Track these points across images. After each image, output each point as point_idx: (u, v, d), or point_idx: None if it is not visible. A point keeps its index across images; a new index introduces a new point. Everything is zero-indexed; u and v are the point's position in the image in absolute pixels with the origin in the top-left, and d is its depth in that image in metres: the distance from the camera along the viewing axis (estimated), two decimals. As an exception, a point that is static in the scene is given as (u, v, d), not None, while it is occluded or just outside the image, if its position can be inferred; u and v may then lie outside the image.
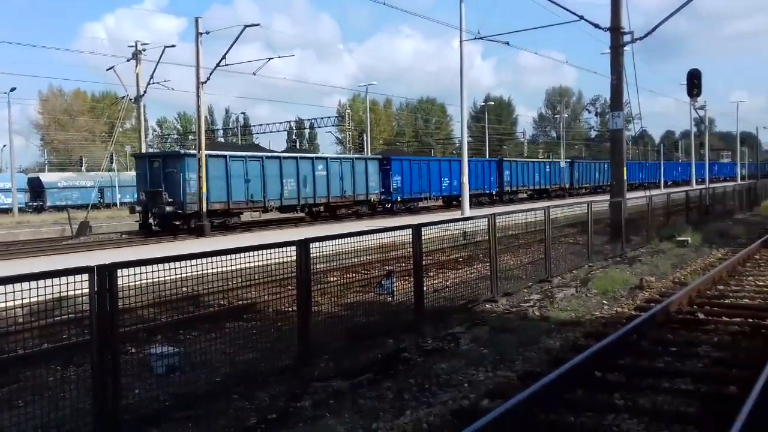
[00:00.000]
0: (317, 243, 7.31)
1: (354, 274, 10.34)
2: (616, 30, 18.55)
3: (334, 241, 7.78)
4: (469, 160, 26.99)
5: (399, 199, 33.76)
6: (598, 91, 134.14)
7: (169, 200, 23.87)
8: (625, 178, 19.54)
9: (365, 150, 53.92)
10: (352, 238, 8.28)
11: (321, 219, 29.99)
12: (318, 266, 7.84)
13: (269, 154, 29.57)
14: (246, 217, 28.39)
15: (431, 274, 11.64)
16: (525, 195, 46.62)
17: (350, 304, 8.58)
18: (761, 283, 11.87)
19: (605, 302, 10.53)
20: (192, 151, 25.39)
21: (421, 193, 34.94)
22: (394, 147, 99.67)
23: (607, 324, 8.94)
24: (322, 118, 62.95)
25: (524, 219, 13.39)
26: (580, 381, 6.34)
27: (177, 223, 24.28)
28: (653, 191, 23.11)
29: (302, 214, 30.20)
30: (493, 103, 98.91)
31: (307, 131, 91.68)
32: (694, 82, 22.49)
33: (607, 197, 18.83)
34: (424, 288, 9.21)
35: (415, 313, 8.81)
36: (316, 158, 30.25)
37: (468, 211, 25.06)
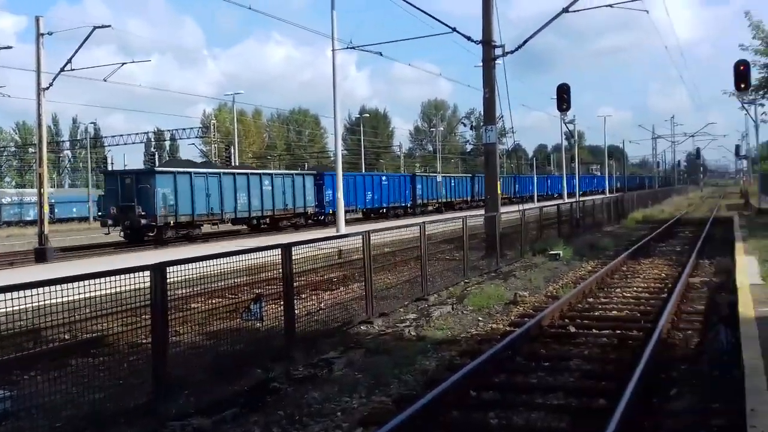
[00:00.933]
0: (176, 267, 7.03)
1: (220, 299, 10.06)
2: (487, 43, 19.42)
3: (196, 263, 7.52)
4: (387, 175, 29.84)
5: (331, 212, 36.71)
6: (472, 104, 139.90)
7: (142, 213, 26.77)
8: (500, 192, 20.44)
9: (233, 163, 52.90)
10: (217, 259, 8.05)
11: (263, 230, 33.41)
12: (179, 291, 7.56)
13: (225, 170, 32.81)
14: (205, 228, 31.38)
15: (304, 296, 11.57)
16: (432, 208, 50.84)
17: (215, 332, 8.31)
18: (628, 295, 12.79)
19: (480, 319, 10.90)
20: (163, 169, 29.49)
21: (348, 206, 36.85)
22: (265, 161, 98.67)
23: (482, 341, 9.25)
24: (184, 129, 61.01)
25: (401, 236, 13.62)
26: (456, 401, 6.50)
27: (151, 234, 27.67)
28: (527, 205, 24.37)
29: (244, 226, 33.84)
30: (368, 115, 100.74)
31: (167, 143, 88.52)
32: (563, 97, 24.01)
33: (557, 201, 19.59)
34: (296, 311, 9.11)
35: (286, 339, 8.69)
36: (263, 174, 34.58)
37: (343, 229, 25.17)
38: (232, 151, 52.85)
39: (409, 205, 47.33)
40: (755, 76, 31.26)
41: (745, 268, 12.62)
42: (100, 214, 34.83)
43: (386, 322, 10.69)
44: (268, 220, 33.87)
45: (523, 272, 15.96)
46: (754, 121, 36.52)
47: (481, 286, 13.79)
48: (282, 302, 8.86)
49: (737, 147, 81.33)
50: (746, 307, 8.60)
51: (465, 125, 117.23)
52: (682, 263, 16.76)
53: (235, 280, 9.16)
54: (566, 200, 44.29)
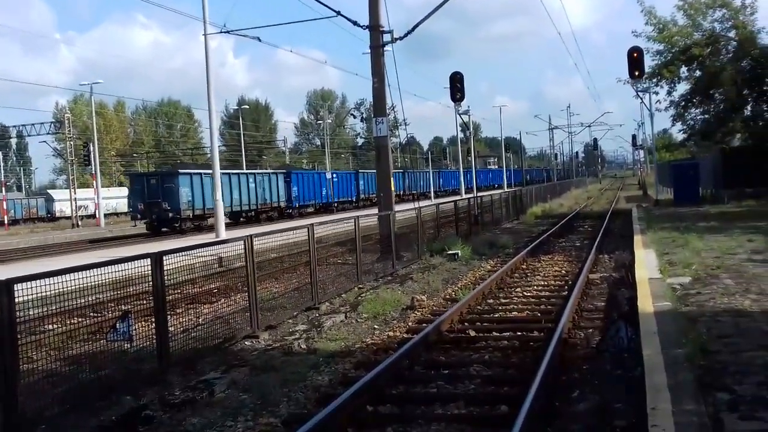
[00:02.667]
0: (25, 284, 6.67)
1: (81, 318, 9.63)
2: (375, 28, 19.62)
3: (50, 279, 7.17)
4: (337, 172, 36.59)
5: (297, 206, 47.52)
6: (362, 94, 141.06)
7: (167, 208, 35.68)
8: (393, 188, 20.71)
9: (92, 163, 50.76)
10: (76, 273, 7.69)
11: (245, 223, 41.33)
12: (32, 312, 7.19)
13: (226, 171, 40.74)
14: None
15: (179, 310, 11.27)
16: (415, 195, 58.53)
17: (76, 356, 7.96)
18: (528, 294, 13.30)
19: (376, 327, 11.03)
20: (184, 170, 38.62)
21: (309, 200, 49.42)
22: (131, 159, 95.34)
23: (378, 351, 9.36)
24: (33, 124, 57.87)
25: (289, 239, 13.52)
26: (351, 418, 6.54)
27: (175, 225, 36.17)
28: (422, 202, 24.83)
29: (230, 220, 40.12)
30: (248, 106, 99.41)
31: (14, 141, 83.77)
32: (456, 86, 24.70)
33: (454, 197, 19.77)
34: (170, 329, 8.88)
35: (160, 361, 8.45)
36: (249, 173, 44.79)
37: (223, 233, 24.74)
38: (91, 148, 50.60)
39: (353, 200, 56.65)
40: (649, 63, 33.36)
41: (644, 261, 13.42)
42: (130, 210, 44.36)
43: (273, 336, 10.60)
44: (252, 213, 43.08)
45: (421, 274, 16.26)
46: (649, 109, 39.01)
47: (376, 292, 13.92)
48: (153, 319, 8.59)
49: (634, 137, 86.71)
50: (645, 303, 9.15)
51: (355, 117, 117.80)
52: (581, 259, 17.60)
53: (99, 296, 8.80)
54: (464, 196, 45.47)
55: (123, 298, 9.24)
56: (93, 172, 53.50)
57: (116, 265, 8.27)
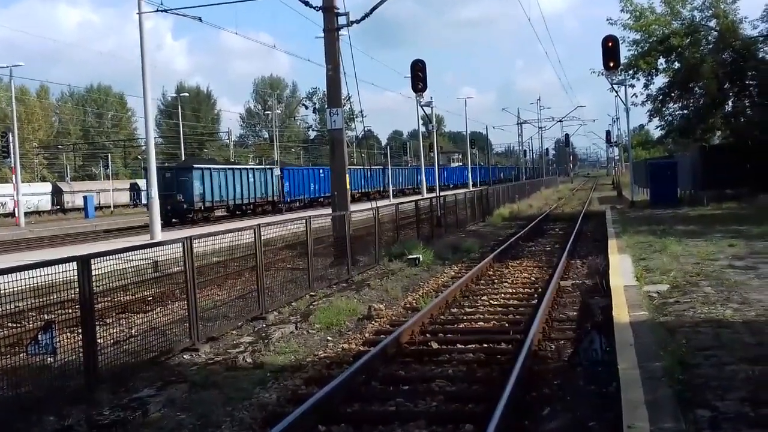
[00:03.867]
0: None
1: (-3, 329, 9.40)
2: (329, 10, 19.57)
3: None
4: (324, 168, 44.09)
5: (289, 200, 54.47)
6: (315, 83, 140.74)
7: (182, 200, 42.54)
8: (349, 186, 20.68)
9: (12, 156, 49.76)
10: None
11: (242, 216, 47.60)
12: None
13: (230, 166, 50.12)
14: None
15: (109, 321, 11.10)
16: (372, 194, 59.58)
17: (-9, 372, 7.76)
18: (495, 302, 13.42)
19: (330, 338, 11.01)
20: (197, 165, 46.60)
21: (300, 195, 56.57)
22: (56, 150, 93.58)
23: (332, 365, 9.33)
24: (-56, 111, 56.39)
25: (233, 241, 13.38)
26: (301, 440, 6.50)
27: (189, 215, 43.00)
28: (381, 202, 24.82)
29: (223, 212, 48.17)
30: (188, 94, 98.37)
31: None
32: (418, 75, 24.76)
33: (415, 197, 19.75)
34: (99, 341, 8.72)
35: (87, 376, 8.28)
36: (249, 169, 52.55)
37: (159, 235, 24.44)
38: (11, 139, 49.53)
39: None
40: (624, 53, 33.94)
41: (619, 267, 13.63)
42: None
43: (215, 349, 10.50)
44: (251, 206, 49.85)
45: (379, 281, 16.28)
46: (624, 103, 39.32)
47: (329, 300, 13.90)
48: (80, 330, 8.43)
49: (608, 133, 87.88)
50: (620, 312, 9.29)
51: (307, 107, 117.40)
52: (552, 264, 17.81)
53: (18, 304, 8.60)
54: (426, 195, 45.62)
55: (46, 306, 9.03)
56: (12, 165, 52.35)
57: (39, 270, 8.09)
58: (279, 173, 54.55)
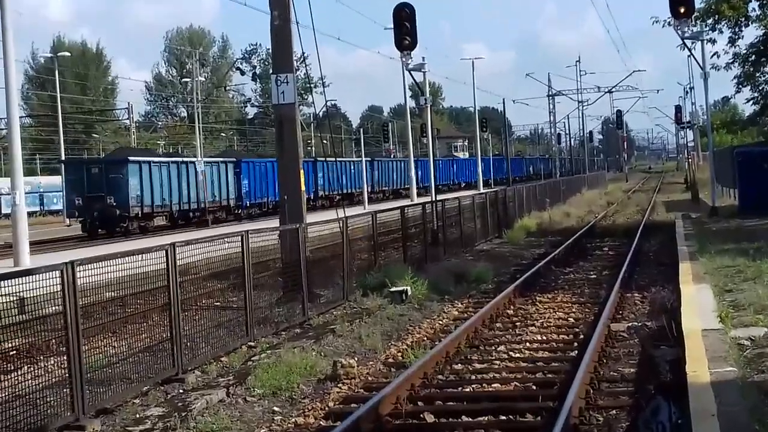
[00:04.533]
0: None
1: None
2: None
3: None
4: (275, 161, 38.85)
5: (248, 204, 58.24)
6: (255, 38, 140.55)
7: (113, 204, 43.71)
8: (303, 187, 20.64)
9: None
10: None
11: (186, 226, 50.09)
12: None
13: (169, 159, 53.17)
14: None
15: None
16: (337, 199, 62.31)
17: None
18: (517, 356, 13.41)
19: (277, 410, 10.99)
20: (134, 158, 47.72)
21: (262, 197, 59.46)
22: None
23: (280, 449, 9.29)
24: None
25: (140, 267, 13.24)
26: None
27: (122, 224, 44.53)
28: (351, 210, 24.79)
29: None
30: (70, 53, 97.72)
31: None
32: (404, 26, 24.81)
33: (402, 202, 19.65)
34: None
35: None
36: (197, 162, 54.71)
37: (26, 259, 24.30)
38: None
39: (311, 197, 62.00)
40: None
41: (695, 303, 13.68)
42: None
43: (110, 426, 10.42)
44: (198, 213, 52.27)
45: (348, 325, 16.23)
46: (701, 67, 39.42)
47: (276, 352, 13.82)
48: None
49: (677, 109, 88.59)
50: (698, 368, 9.30)
51: (243, 73, 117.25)
52: (599, 300, 17.85)
53: None
54: (416, 201, 45.70)
55: None
56: None
57: None
58: (236, 168, 56.66)
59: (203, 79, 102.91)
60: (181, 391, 11.94)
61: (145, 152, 58.43)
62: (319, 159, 68.87)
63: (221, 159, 58.81)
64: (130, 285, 13.52)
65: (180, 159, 56.06)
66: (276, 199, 56.84)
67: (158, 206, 47.83)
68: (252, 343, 14.69)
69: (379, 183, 78.79)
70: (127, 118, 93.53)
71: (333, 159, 65.94)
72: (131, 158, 47.72)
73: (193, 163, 53.79)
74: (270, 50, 21.35)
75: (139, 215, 45.95)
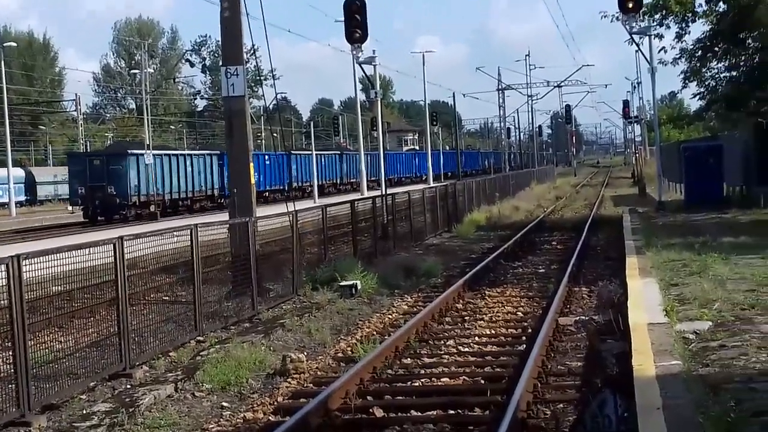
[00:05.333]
0: None
1: None
2: None
3: None
4: (269, 154, 54.45)
5: (228, 194, 54.98)
6: (205, 29, 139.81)
7: (114, 193, 49.27)
8: (254, 180, 20.57)
9: None
10: None
11: (174, 214, 54.81)
12: None
13: (163, 152, 58.18)
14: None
15: None
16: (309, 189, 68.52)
17: None
18: (466, 349, 13.48)
19: (226, 405, 10.97)
20: (132, 151, 53.51)
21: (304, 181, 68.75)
22: None
23: (228, 445, 9.27)
24: None
25: (88, 260, 13.11)
26: None
27: (122, 212, 49.62)
28: (301, 203, 24.77)
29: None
30: (15, 44, 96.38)
31: None
32: (354, 18, 24.80)
33: (308, 204, 19.61)
34: None
35: None
36: (186, 155, 60.29)
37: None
38: None
39: (284, 188, 67.48)
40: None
41: (642, 297, 13.80)
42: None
43: (56, 422, 10.37)
44: (188, 202, 57.45)
45: (298, 319, 16.21)
46: (649, 62, 39.64)
47: (225, 347, 13.77)
48: None
49: (625, 104, 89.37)
50: (644, 362, 9.38)
51: (193, 65, 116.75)
52: (547, 294, 18.02)
53: None
54: (366, 194, 45.66)
55: None
56: None
57: None
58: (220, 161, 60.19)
59: (152, 70, 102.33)
60: (128, 386, 11.89)
61: (141, 145, 60.69)
62: (293, 152, 73.09)
63: (207, 152, 62.68)
64: (79, 279, 13.44)
65: (172, 152, 60.71)
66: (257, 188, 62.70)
67: (152, 195, 52.10)
68: (201, 338, 14.66)
69: (348, 175, 79.37)
70: (75, 110, 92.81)
71: (286, 152, 67.14)
72: (130, 151, 53.31)
73: (184, 156, 58.43)
74: (219, 42, 21.21)
75: (137, 203, 51.02)
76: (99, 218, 50.00)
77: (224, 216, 22.98)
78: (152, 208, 52.29)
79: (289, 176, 67.12)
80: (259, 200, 61.10)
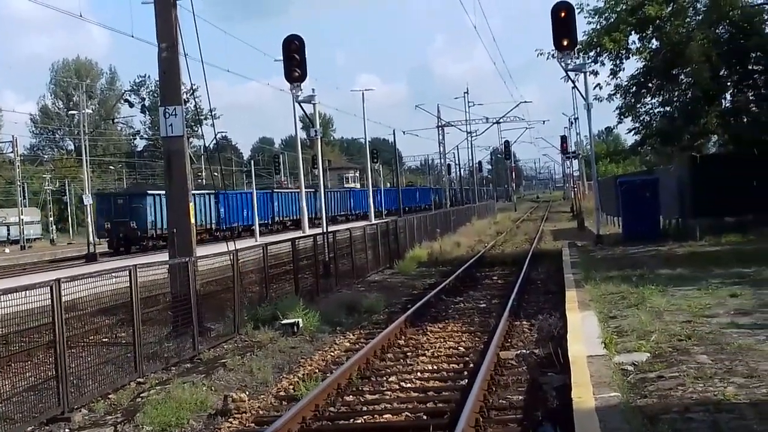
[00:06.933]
0: None
1: None
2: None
3: None
4: (242, 193, 62.05)
5: (224, 227, 65.23)
6: (144, 69, 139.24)
7: (135, 227, 59.63)
8: (194, 220, 20.48)
9: None
10: None
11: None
12: None
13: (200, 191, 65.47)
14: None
15: None
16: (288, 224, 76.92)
17: None
18: (409, 385, 13.53)
19: (166, 446, 10.83)
20: (150, 192, 61.95)
21: (234, 222, 69.12)
22: None
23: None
24: None
25: (23, 303, 12.96)
26: None
27: (142, 243, 59.59)
28: (242, 242, 24.66)
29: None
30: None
31: None
32: (293, 57, 24.90)
33: (249, 243, 19.47)
34: None
35: None
36: (193, 194, 59.24)
37: None
38: None
39: (269, 224, 76.16)
40: (583, 27, 34.70)
41: (581, 330, 13.93)
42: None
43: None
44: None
45: (240, 358, 16.15)
46: (585, 98, 40.03)
47: (166, 388, 13.70)
48: None
49: (563, 140, 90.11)
50: (583, 394, 9.47)
51: (132, 105, 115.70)
52: (489, 328, 18.09)
53: None
54: (308, 232, 45.56)
55: None
56: None
57: None
58: (216, 198, 68.35)
59: (91, 111, 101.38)
60: (67, 430, 11.79)
61: (155, 187, 66.35)
62: (276, 190, 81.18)
63: (206, 191, 68.80)
64: (15, 322, 13.28)
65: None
66: (242, 223, 71.65)
67: (167, 229, 52.62)
68: (141, 380, 14.55)
69: (269, 214, 79.49)
70: (12, 152, 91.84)
71: (291, 189, 71.14)
72: (149, 192, 62.12)
73: (194, 195, 58.29)
74: (158, 81, 21.16)
75: (154, 236, 59.08)
76: (121, 249, 59.12)
77: (216, 248, 22.72)
78: (162, 240, 56.07)
79: (272, 211, 74.68)
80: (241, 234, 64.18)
